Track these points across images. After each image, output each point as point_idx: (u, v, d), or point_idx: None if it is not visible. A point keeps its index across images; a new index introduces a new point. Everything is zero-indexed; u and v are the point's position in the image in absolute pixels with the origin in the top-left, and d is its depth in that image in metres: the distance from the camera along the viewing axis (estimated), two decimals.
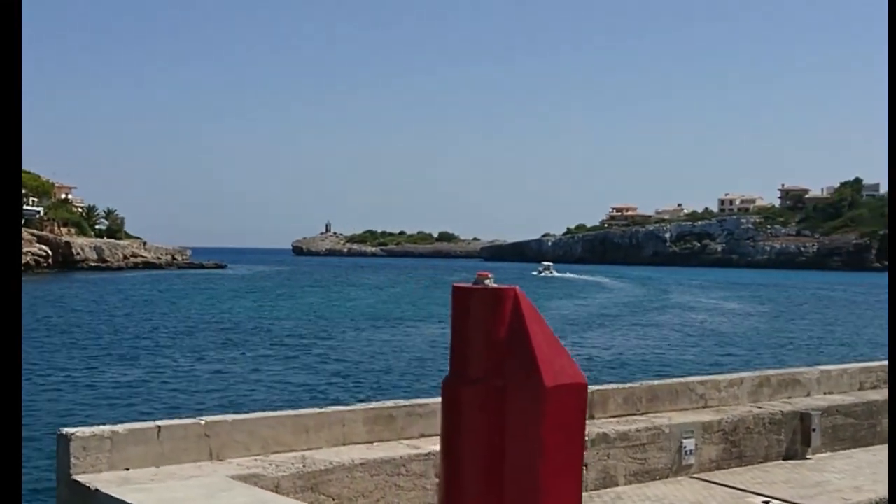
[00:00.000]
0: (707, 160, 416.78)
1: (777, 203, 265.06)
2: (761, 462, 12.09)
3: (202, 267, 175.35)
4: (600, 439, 10.77)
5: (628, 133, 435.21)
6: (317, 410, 9.62)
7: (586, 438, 10.69)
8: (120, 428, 8.36)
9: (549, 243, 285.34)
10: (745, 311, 79.51)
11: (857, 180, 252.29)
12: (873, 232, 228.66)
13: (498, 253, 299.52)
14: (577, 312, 74.27)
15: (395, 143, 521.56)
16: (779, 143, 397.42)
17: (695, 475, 11.36)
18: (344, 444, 9.52)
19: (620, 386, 11.96)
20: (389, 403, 10.10)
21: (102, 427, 8.34)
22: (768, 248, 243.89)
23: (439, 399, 10.55)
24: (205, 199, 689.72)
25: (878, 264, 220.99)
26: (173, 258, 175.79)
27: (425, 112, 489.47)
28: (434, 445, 9.56)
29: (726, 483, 11.11)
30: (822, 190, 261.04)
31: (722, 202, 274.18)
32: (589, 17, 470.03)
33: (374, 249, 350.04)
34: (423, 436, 9.95)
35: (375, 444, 9.69)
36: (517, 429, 6.41)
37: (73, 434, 8.07)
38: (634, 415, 11.73)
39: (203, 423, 8.74)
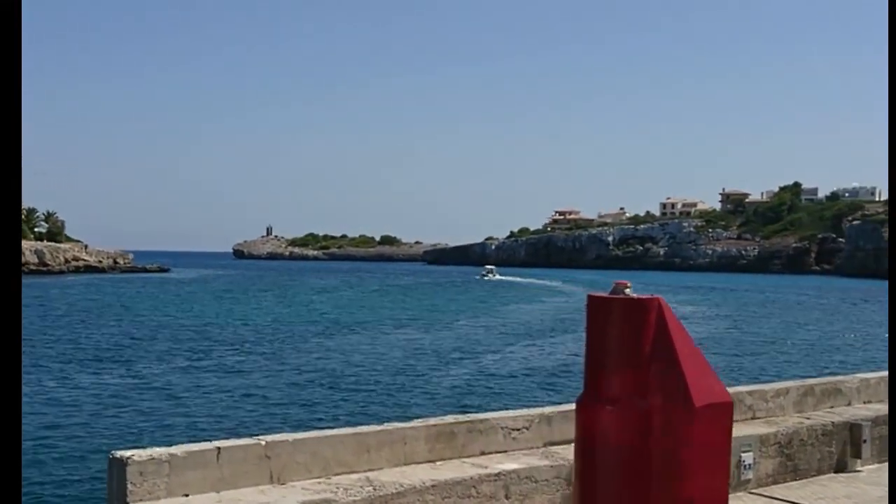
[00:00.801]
0: (649, 164, 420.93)
1: (718, 207, 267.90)
2: (815, 475, 11.66)
3: (145, 271, 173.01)
4: None
5: (570, 137, 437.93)
6: (378, 428, 9.00)
7: None
8: (178, 450, 7.71)
9: (493, 247, 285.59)
10: (705, 314, 79.92)
11: (797, 185, 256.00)
12: (812, 235, 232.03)
13: (441, 256, 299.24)
14: (541, 316, 74.10)
15: (337, 146, 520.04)
16: (719, 148, 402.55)
17: (753, 491, 10.87)
18: (406, 464, 8.96)
19: None
20: (449, 419, 9.51)
21: (159, 449, 7.70)
22: (710, 252, 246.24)
23: (499, 414, 9.97)
24: (143, 203, 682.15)
25: (816, 267, 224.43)
26: (115, 262, 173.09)
27: (367, 116, 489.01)
28: (499, 465, 9.06)
29: (787, 499, 10.64)
30: (762, 194, 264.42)
31: (664, 206, 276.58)
32: (534, 23, 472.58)
33: (316, 253, 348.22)
34: (483, 453, 9.45)
35: (438, 462, 9.14)
36: (664, 453, 5.84)
37: (128, 458, 7.40)
38: None
39: (264, 443, 8.12)
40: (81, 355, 44.25)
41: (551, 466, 9.34)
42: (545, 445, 9.98)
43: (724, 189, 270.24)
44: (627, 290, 6.04)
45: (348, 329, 60.94)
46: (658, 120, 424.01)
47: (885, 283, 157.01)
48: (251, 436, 8.57)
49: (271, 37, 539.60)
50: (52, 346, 47.58)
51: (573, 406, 10.52)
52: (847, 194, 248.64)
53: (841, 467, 11.89)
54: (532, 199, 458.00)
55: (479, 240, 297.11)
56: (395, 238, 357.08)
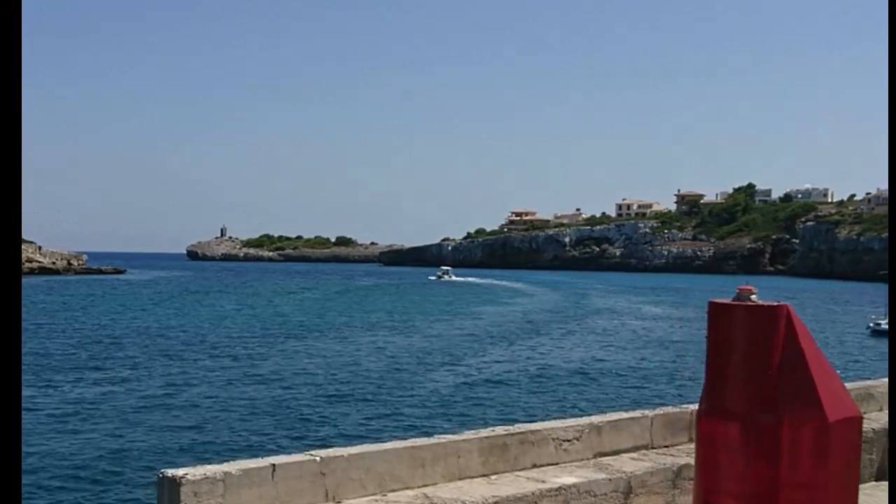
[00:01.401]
0: (604, 166, 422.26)
1: (673, 208, 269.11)
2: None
3: (101, 272, 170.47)
4: None
5: (526, 138, 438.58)
6: (432, 441, 8.55)
7: None
8: (232, 468, 7.24)
9: (449, 248, 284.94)
10: (673, 315, 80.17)
11: (751, 186, 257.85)
12: (766, 236, 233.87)
13: (397, 258, 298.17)
14: (515, 318, 73.78)
15: (293, 147, 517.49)
16: (674, 150, 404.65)
17: None
18: (460, 479, 8.57)
19: None
20: (501, 431, 9.08)
21: (213, 467, 7.24)
22: (665, 253, 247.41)
23: (549, 424, 9.51)
24: (93, 203, 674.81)
25: (770, 268, 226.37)
26: (69, 263, 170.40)
27: (322, 117, 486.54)
28: (556, 478, 8.73)
29: None
30: (717, 195, 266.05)
31: (620, 207, 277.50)
32: (483, 24, 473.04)
33: (271, 254, 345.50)
34: (535, 466, 9.09)
35: (493, 476, 8.73)
36: (794, 470, 5.43)
37: (182, 477, 6.94)
38: None
39: (318, 459, 7.67)
40: (56, 363, 43.19)
41: (609, 480, 8.98)
42: (595, 457, 9.60)
43: (679, 190, 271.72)
44: (753, 297, 5.61)
45: (325, 333, 60.40)
46: (613, 121, 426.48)
47: (840, 284, 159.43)
48: (304, 451, 8.15)
49: (225, 39, 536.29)
50: (42, 353, 46.55)
51: (622, 415, 10.25)
52: (800, 196, 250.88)
53: (881, 476, 11.57)
54: (488, 200, 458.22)
55: (436, 241, 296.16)
56: (350, 239, 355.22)
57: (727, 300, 5.77)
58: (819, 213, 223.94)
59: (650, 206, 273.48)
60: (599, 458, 9.58)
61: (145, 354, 46.46)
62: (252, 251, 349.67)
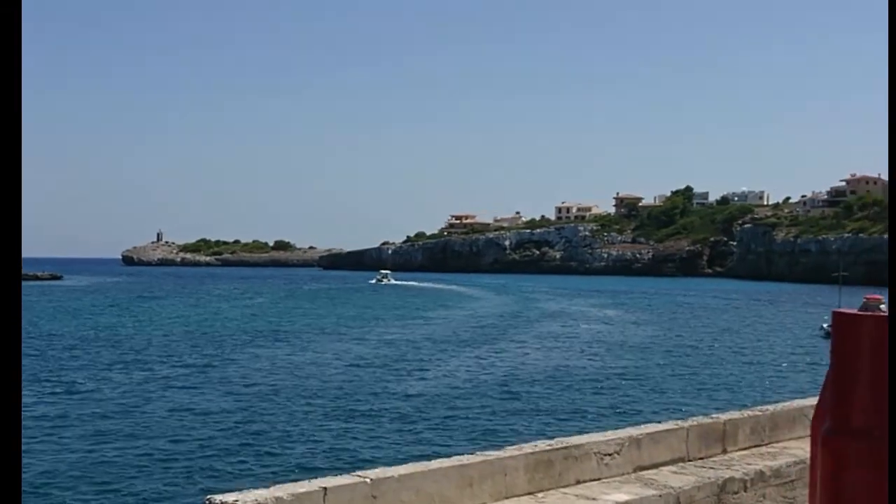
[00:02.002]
0: (544, 169, 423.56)
1: (612, 211, 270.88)
2: None
3: (37, 278, 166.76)
4: (757, 478, 9.60)
5: (465, 142, 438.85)
6: (479, 459, 8.20)
7: (744, 476, 9.50)
8: (282, 492, 6.91)
9: (389, 251, 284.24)
10: (625, 318, 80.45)
11: (688, 189, 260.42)
12: (704, 239, 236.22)
13: (336, 261, 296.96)
14: (468, 323, 73.49)
15: (229, 151, 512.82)
16: (612, 153, 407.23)
17: None
18: (508, 497, 8.34)
19: (747, 414, 10.81)
20: (545, 446, 8.76)
21: (263, 492, 6.93)
22: (605, 255, 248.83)
23: (591, 438, 9.12)
24: (23, 207, 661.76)
25: (709, 270, 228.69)
26: None
27: (259, 120, 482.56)
28: (606, 495, 8.60)
29: None
30: (655, 198, 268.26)
31: (559, 210, 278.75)
32: (419, 26, 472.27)
33: (208, 259, 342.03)
34: (579, 482, 8.86)
35: (540, 494, 8.44)
36: None
37: (233, 503, 6.55)
38: (760, 445, 10.69)
39: (369, 481, 7.29)
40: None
41: (659, 496, 8.73)
42: (635, 470, 9.31)
43: (618, 193, 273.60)
44: (882, 307, 5.21)
45: (283, 339, 59.55)
46: (551, 124, 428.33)
47: (779, 285, 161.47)
48: (350, 472, 7.74)
49: (157, 44, 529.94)
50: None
51: (658, 427, 9.92)
52: (736, 198, 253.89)
53: None
54: (428, 203, 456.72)
55: (376, 244, 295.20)
56: (288, 243, 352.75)
57: (853, 311, 5.38)
58: (756, 216, 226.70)
59: (589, 209, 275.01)
60: (640, 472, 9.28)
61: (103, 364, 45.34)
62: (189, 256, 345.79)
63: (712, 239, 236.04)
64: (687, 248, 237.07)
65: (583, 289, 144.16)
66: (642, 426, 9.96)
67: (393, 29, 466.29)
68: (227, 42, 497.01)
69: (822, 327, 64.90)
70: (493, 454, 8.29)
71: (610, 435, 9.28)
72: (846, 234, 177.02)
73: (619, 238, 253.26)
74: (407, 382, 39.30)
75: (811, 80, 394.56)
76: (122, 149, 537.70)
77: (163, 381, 39.52)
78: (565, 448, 8.70)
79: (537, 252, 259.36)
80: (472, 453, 8.43)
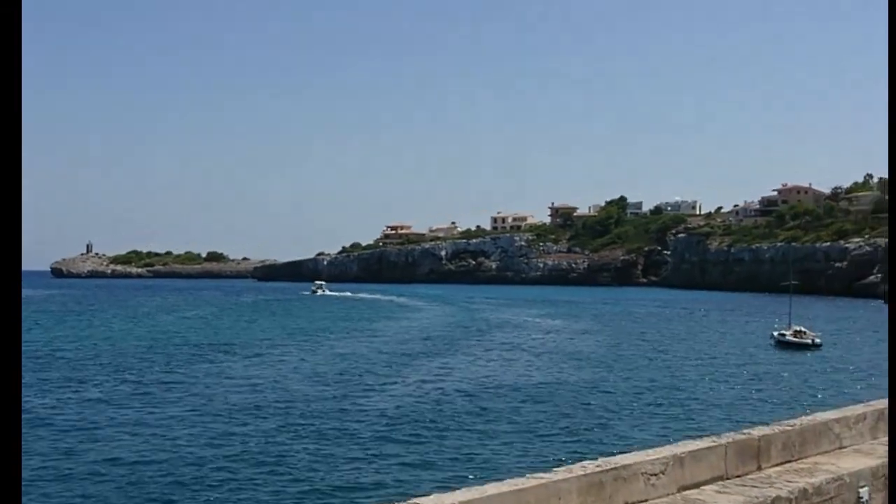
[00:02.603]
0: (478, 179, 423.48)
1: (548, 221, 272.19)
2: None
3: None
4: (801, 496, 9.45)
5: (400, 151, 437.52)
6: (534, 482, 7.96)
7: (789, 495, 9.34)
8: None
9: (325, 262, 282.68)
10: (576, 328, 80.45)
11: (622, 199, 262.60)
12: (639, 248, 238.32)
13: (271, 273, 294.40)
14: (418, 333, 72.95)
15: (158, 160, 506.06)
16: (547, 163, 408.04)
17: None
18: None
19: (778, 430, 10.66)
20: (593, 467, 8.51)
21: None
22: (541, 265, 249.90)
23: (637, 457, 8.90)
24: None
25: (643, 279, 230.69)
26: None
27: (190, 130, 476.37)
28: None
29: None
30: (590, 208, 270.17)
31: (495, 220, 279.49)
32: (355, 34, 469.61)
33: (140, 270, 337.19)
34: None
35: None
36: None
37: None
38: (791, 461, 10.56)
39: None
40: None
41: None
42: (679, 490, 9.13)
43: (552, 203, 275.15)
44: None
45: (232, 353, 58.27)
46: (486, 134, 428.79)
47: (714, 294, 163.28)
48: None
49: (88, 51, 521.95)
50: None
51: (698, 444, 9.73)
52: (669, 208, 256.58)
53: None
54: (363, 214, 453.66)
55: (311, 256, 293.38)
56: (221, 255, 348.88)
57: None
58: (689, 225, 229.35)
59: (525, 218, 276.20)
60: (685, 492, 9.11)
61: (52, 382, 43.90)
62: (120, 268, 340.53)
63: (646, 248, 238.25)
64: (622, 258, 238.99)
65: (523, 298, 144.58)
66: (681, 443, 9.78)
67: (323, 37, 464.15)
68: (158, 48, 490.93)
69: (772, 336, 65.59)
70: (546, 477, 8.04)
71: (653, 454, 9.08)
72: (779, 243, 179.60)
73: (555, 248, 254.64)
74: (372, 398, 38.63)
75: (741, 91, 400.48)
76: (49, 158, 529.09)
77: (116, 398, 38.26)
78: (615, 469, 8.50)
79: (473, 262, 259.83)
80: (523, 475, 8.18)
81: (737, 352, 60.25)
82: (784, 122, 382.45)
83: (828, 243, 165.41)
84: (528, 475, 8.20)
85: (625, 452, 9.64)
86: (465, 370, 48.88)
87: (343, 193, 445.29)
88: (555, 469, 8.40)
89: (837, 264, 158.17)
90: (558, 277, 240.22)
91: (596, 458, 8.89)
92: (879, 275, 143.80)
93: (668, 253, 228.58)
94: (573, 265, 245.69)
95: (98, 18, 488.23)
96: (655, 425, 32.53)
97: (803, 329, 63.69)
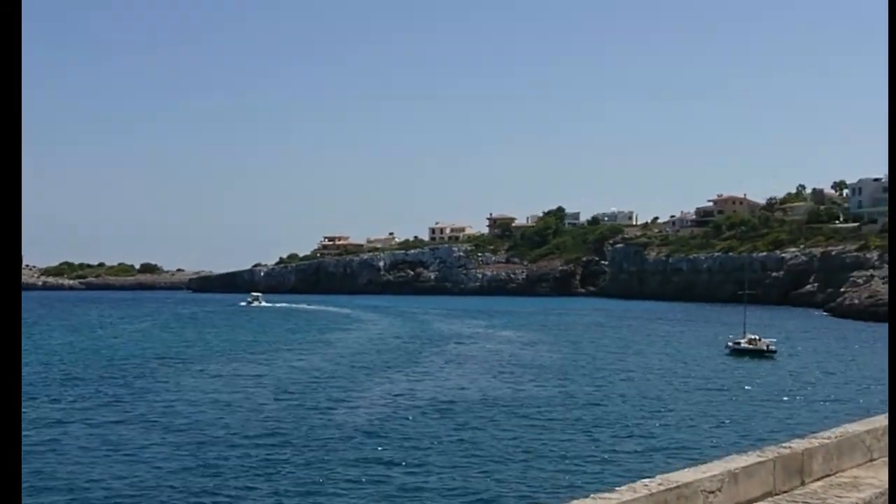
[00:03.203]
0: (416, 189, 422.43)
1: (486, 231, 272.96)
2: None
3: None
4: None
5: (336, 162, 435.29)
6: (602, 502, 7.58)
7: None
8: None
9: (262, 273, 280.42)
10: (527, 339, 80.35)
11: (560, 209, 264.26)
12: (577, 258, 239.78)
13: (207, 284, 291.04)
14: (372, 346, 72.17)
15: (92, 172, 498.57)
16: (484, 174, 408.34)
17: None
18: None
19: (818, 443, 10.49)
20: (656, 486, 8.29)
21: None
22: (480, 276, 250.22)
23: (695, 473, 8.63)
24: None
25: (582, 289, 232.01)
26: None
27: (122, 141, 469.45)
28: None
29: None
30: (528, 219, 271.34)
31: (433, 231, 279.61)
32: (289, 47, 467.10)
33: (72, 282, 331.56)
34: None
35: None
36: None
37: None
38: (830, 475, 10.40)
39: None
40: None
41: None
42: None
43: (490, 214, 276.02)
44: None
45: (184, 366, 57.36)
46: (422, 144, 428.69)
47: (654, 304, 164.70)
48: None
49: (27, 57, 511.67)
50: None
51: (748, 460, 9.51)
52: (606, 218, 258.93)
53: None
54: (300, 224, 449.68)
55: (247, 266, 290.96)
56: (155, 266, 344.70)
57: None
58: (626, 236, 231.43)
59: (463, 229, 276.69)
60: None
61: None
62: (51, 279, 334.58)
63: (584, 259, 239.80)
64: (560, 268, 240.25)
65: (468, 309, 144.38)
66: (731, 458, 9.56)
67: (268, 43, 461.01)
68: (93, 57, 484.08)
69: (727, 344, 66.21)
70: (612, 497, 7.76)
71: (707, 470, 8.87)
72: (716, 253, 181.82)
73: (494, 258, 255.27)
74: (346, 413, 38.05)
75: (676, 103, 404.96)
76: None
77: (72, 416, 37.30)
78: (678, 488, 8.24)
79: (412, 273, 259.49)
80: (585, 496, 7.89)
81: (695, 360, 60.62)
82: (718, 133, 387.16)
83: (764, 253, 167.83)
84: (592, 495, 7.90)
85: (670, 468, 9.40)
86: (433, 383, 48.52)
87: (280, 204, 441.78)
88: (618, 488, 8.11)
89: (774, 274, 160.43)
90: (497, 288, 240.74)
91: (653, 476, 8.62)
92: (816, 284, 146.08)
93: (606, 263, 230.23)
94: (512, 276, 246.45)
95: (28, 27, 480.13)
96: (638, 436, 32.54)
97: (757, 337, 64.44)
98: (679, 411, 38.72)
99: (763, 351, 61.66)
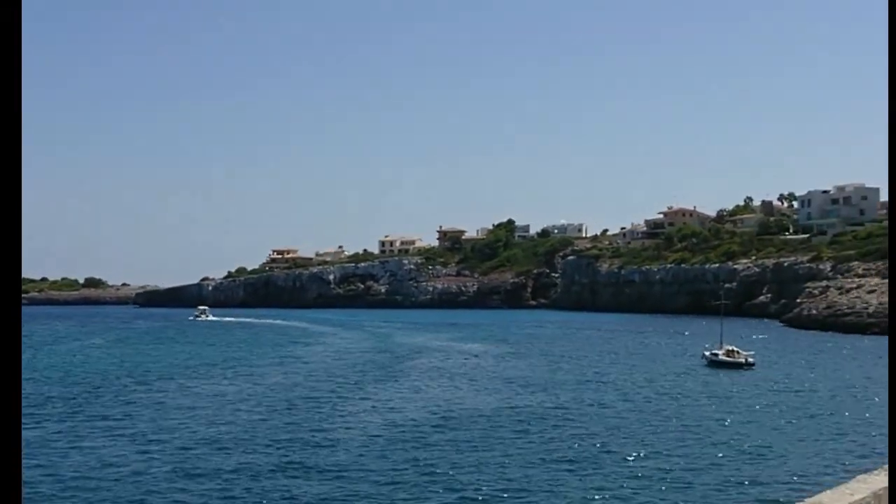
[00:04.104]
0: (364, 202, 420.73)
1: (436, 244, 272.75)
2: None
3: None
4: None
5: (283, 174, 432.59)
6: None
7: None
8: None
9: (210, 287, 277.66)
10: (495, 352, 79.70)
11: (510, 222, 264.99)
12: (528, 271, 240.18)
13: (153, 298, 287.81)
14: (343, 361, 70.69)
15: (31, 184, 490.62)
16: (433, 186, 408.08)
17: None
18: None
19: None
20: None
21: None
22: (431, 289, 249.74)
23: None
24: None
25: (533, 301, 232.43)
26: None
27: (64, 153, 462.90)
28: None
29: None
30: (478, 231, 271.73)
31: (383, 244, 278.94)
32: (235, 61, 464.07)
33: None
34: None
35: None
36: None
37: None
38: None
39: None
40: None
41: None
42: None
43: (440, 226, 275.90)
44: None
45: (155, 383, 55.72)
46: (369, 156, 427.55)
47: (609, 316, 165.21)
48: None
49: None
50: None
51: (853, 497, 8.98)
52: (556, 231, 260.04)
53: None
54: (248, 238, 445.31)
55: (195, 281, 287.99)
56: (100, 280, 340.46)
57: None
58: (576, 248, 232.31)
59: (413, 242, 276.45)
60: None
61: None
62: None
63: (535, 271, 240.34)
64: (511, 281, 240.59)
65: (424, 322, 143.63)
66: (858, 480, 9.15)
67: (219, 57, 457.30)
68: (39, 63, 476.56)
69: (703, 355, 66.05)
70: None
71: (831, 498, 8.43)
72: (668, 265, 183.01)
73: (444, 271, 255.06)
74: (337, 430, 37.03)
75: (623, 115, 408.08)
76: None
77: (49, 436, 36.21)
78: None
79: (362, 286, 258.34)
80: None
81: (672, 371, 60.10)
82: (667, 148, 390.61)
83: (717, 264, 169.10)
84: None
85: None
86: (419, 397, 47.54)
87: (227, 217, 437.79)
88: None
89: (727, 285, 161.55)
90: (448, 301, 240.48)
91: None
92: (769, 295, 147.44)
93: (557, 275, 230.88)
94: (463, 288, 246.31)
95: None
96: (638, 450, 32.11)
97: (735, 348, 64.13)
98: (685, 430, 38.31)
99: (741, 363, 61.19)
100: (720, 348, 64.63)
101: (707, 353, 65.44)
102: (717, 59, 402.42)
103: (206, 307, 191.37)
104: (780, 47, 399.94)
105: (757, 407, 43.47)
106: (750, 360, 61.78)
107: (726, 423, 38.39)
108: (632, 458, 30.68)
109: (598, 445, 32.97)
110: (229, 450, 32.43)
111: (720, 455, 31.26)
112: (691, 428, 37.30)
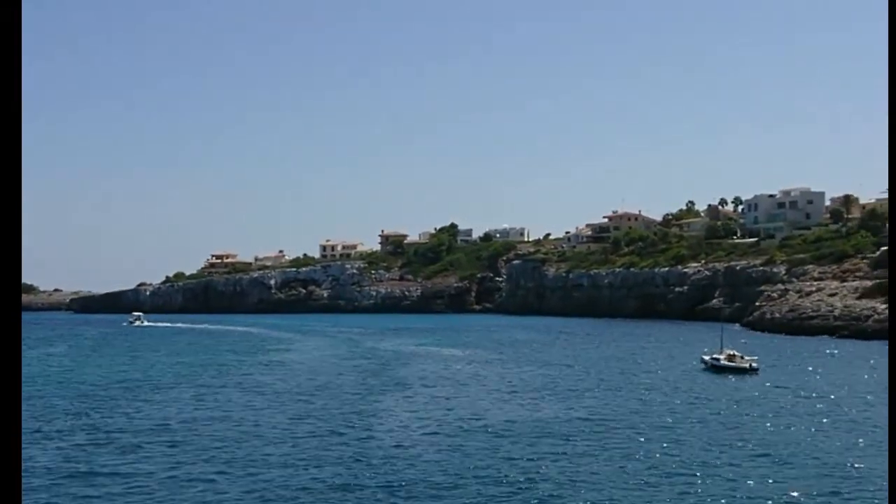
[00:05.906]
0: (305, 205, 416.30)
1: (378, 248, 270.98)
2: None
3: None
4: None
5: (220, 178, 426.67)
6: None
7: None
8: None
9: (147, 293, 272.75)
10: (479, 357, 78.07)
11: (453, 226, 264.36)
12: (471, 275, 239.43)
13: (89, 304, 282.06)
14: (321, 370, 68.20)
15: None
16: (374, 190, 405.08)
17: None
18: None
19: None
20: None
21: None
22: (374, 293, 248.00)
23: None
24: None
25: (477, 306, 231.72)
26: None
27: None
28: None
29: None
30: (420, 235, 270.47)
31: (324, 248, 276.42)
32: (164, 65, 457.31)
33: None
34: None
35: None
36: None
37: None
38: None
39: None
40: None
41: None
42: None
43: (382, 231, 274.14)
44: None
45: (137, 392, 53.41)
46: (310, 159, 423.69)
47: (559, 319, 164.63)
48: None
49: None
50: None
51: None
52: (499, 235, 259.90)
53: None
54: (186, 242, 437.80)
55: (131, 286, 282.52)
56: (32, 286, 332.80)
57: None
58: (519, 252, 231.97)
59: (355, 246, 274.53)
60: None
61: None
62: None
63: (479, 275, 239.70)
64: (455, 285, 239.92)
65: (380, 327, 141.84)
66: None
67: (136, 57, 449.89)
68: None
69: (702, 360, 65.07)
70: None
71: None
72: (617, 269, 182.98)
73: (387, 275, 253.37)
74: (350, 445, 35.47)
75: (563, 120, 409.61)
76: None
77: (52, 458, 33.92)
78: None
79: (304, 291, 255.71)
80: None
81: (674, 377, 58.73)
82: (608, 154, 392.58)
83: (666, 268, 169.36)
84: None
85: None
86: (422, 408, 45.39)
87: (165, 221, 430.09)
88: None
89: (678, 289, 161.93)
90: (392, 305, 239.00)
91: None
92: (722, 298, 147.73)
93: (501, 279, 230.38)
94: (406, 293, 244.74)
95: None
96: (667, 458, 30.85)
97: (736, 353, 63.02)
98: (689, 426, 37.24)
99: (745, 368, 59.90)
100: (721, 353, 63.41)
101: (707, 358, 64.23)
102: (664, 59, 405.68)
103: (140, 313, 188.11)
104: (722, 49, 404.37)
105: (790, 414, 42.34)
106: (753, 364, 60.52)
107: (768, 428, 37.56)
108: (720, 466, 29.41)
109: (680, 454, 31.75)
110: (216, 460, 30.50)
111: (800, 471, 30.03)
112: (744, 437, 36.17)
